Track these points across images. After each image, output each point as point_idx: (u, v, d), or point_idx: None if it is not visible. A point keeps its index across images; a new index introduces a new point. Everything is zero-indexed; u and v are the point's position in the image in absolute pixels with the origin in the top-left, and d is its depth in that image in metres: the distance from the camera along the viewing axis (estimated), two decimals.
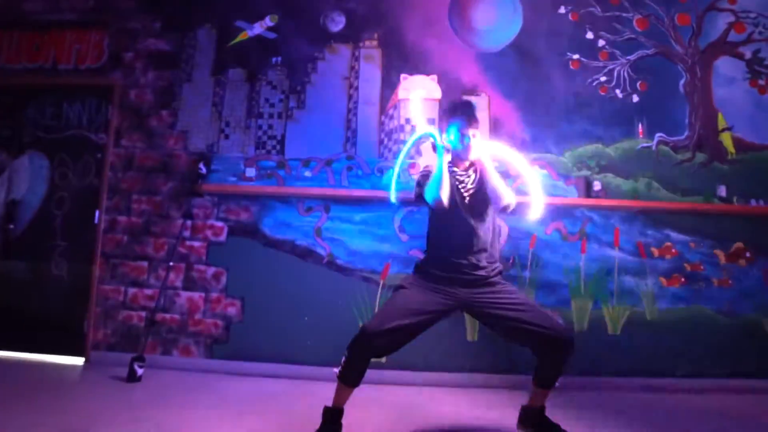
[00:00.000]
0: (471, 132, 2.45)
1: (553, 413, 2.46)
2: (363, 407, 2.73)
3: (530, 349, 2.35)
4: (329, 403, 2.41)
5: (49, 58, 4.00)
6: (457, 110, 2.49)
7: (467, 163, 2.51)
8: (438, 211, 2.38)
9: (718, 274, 3.54)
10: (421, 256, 2.54)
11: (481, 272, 2.38)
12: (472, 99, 3.40)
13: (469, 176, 2.50)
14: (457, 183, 2.47)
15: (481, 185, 2.45)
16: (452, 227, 2.41)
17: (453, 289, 2.36)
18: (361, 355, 2.28)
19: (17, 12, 4.04)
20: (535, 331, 2.28)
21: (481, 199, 2.44)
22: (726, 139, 3.69)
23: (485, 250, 2.41)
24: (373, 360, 2.33)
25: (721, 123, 3.71)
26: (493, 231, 2.48)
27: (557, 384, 2.40)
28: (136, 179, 3.83)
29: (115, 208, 3.81)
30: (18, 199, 3.96)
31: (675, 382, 3.38)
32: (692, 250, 3.57)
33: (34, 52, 4.01)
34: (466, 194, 2.46)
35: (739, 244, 3.56)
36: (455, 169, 2.50)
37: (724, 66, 3.77)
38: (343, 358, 2.32)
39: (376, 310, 3.46)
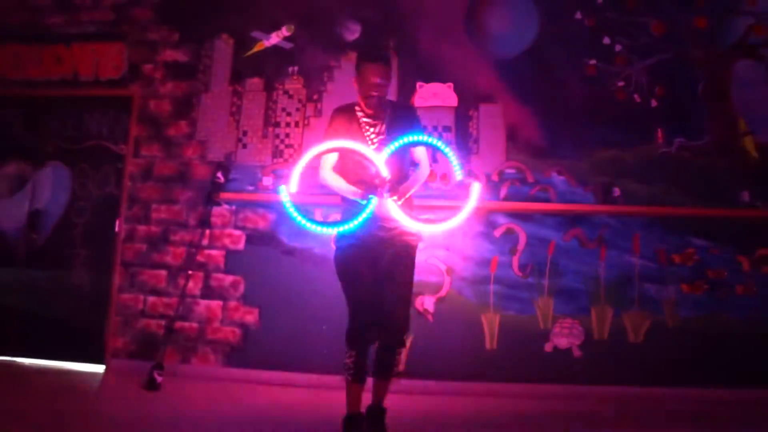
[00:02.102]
0: (377, 80, 2.32)
1: (573, 424, 2.43)
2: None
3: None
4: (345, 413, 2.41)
5: (71, 70, 4.07)
6: (364, 56, 2.40)
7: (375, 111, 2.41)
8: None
9: (742, 281, 3.47)
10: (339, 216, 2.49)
11: (396, 226, 2.35)
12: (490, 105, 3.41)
13: (376, 124, 2.42)
14: (364, 132, 2.40)
15: (389, 135, 2.38)
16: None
17: (373, 242, 2.35)
18: (361, 344, 2.35)
19: (40, 26, 4.13)
20: (384, 311, 2.31)
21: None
22: (748, 143, 3.63)
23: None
24: None
25: (742, 127, 3.66)
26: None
27: (394, 375, 2.44)
28: (154, 188, 3.87)
29: (135, 217, 3.86)
30: (41, 209, 4.03)
31: (698, 392, 3.30)
32: (714, 256, 3.50)
33: (57, 65, 4.09)
34: (372, 145, 2.39)
35: (763, 250, 3.48)
36: (361, 114, 2.42)
37: (744, 69, 3.71)
38: (349, 357, 2.36)
39: None
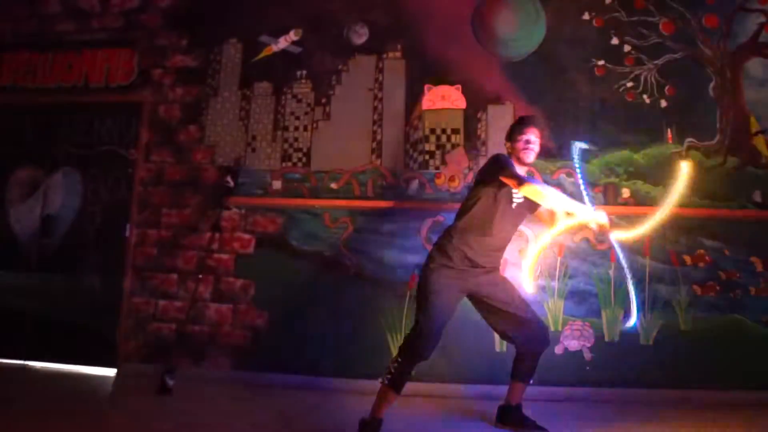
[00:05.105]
0: (532, 138, 2.67)
1: (584, 427, 2.42)
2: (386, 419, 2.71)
3: (511, 340, 2.69)
4: (361, 416, 2.42)
5: (82, 77, 4.12)
6: (525, 121, 2.79)
7: (524, 169, 2.69)
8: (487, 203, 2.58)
9: (755, 283, 3.42)
10: (447, 237, 2.63)
11: (493, 263, 2.66)
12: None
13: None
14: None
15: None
16: (489, 223, 2.57)
17: (470, 276, 2.56)
18: (416, 361, 2.47)
19: (51, 34, 4.18)
20: (523, 324, 2.59)
21: (525, 207, 2.65)
22: (759, 142, 3.59)
23: (503, 248, 2.70)
24: None
25: (754, 126, 3.62)
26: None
27: (531, 381, 2.73)
28: (165, 193, 3.90)
29: (145, 222, 3.89)
30: (53, 214, 4.07)
31: (711, 395, 3.27)
32: (727, 257, 3.46)
33: (68, 72, 4.14)
34: (515, 199, 2.61)
35: None
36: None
37: (756, 68, 3.67)
38: (396, 366, 2.45)
39: (405, 318, 3.46)
